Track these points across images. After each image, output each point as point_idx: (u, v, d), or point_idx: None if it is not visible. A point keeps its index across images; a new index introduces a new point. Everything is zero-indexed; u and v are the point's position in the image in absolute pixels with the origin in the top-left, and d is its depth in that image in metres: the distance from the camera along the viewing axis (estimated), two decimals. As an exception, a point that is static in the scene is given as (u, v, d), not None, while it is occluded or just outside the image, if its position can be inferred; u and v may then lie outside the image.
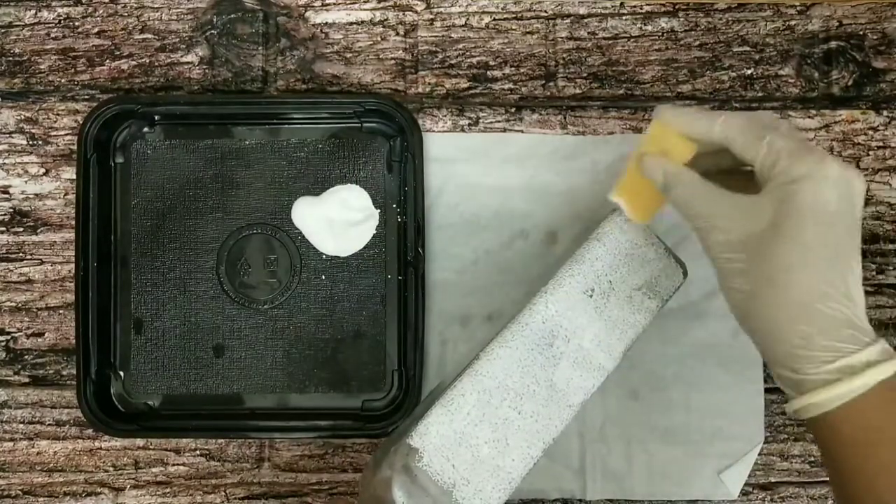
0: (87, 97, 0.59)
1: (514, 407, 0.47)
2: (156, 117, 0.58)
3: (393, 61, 0.59)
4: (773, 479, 0.58)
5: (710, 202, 0.42)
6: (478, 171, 0.58)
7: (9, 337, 0.58)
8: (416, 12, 0.60)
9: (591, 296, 0.49)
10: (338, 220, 0.57)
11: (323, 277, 0.58)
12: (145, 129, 0.58)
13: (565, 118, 0.59)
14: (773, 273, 0.39)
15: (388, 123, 0.58)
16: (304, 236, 0.58)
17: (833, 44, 0.59)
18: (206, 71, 0.59)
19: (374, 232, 0.58)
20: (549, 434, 0.47)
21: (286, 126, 0.58)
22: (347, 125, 0.58)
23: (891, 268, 0.59)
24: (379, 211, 0.58)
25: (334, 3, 0.60)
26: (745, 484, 0.57)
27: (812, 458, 0.58)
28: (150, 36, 0.60)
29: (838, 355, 0.38)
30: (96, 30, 0.60)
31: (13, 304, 0.58)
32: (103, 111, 0.56)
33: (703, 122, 0.43)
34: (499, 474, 0.46)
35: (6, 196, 0.59)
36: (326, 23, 0.60)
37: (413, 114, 0.57)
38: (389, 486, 0.45)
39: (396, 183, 0.58)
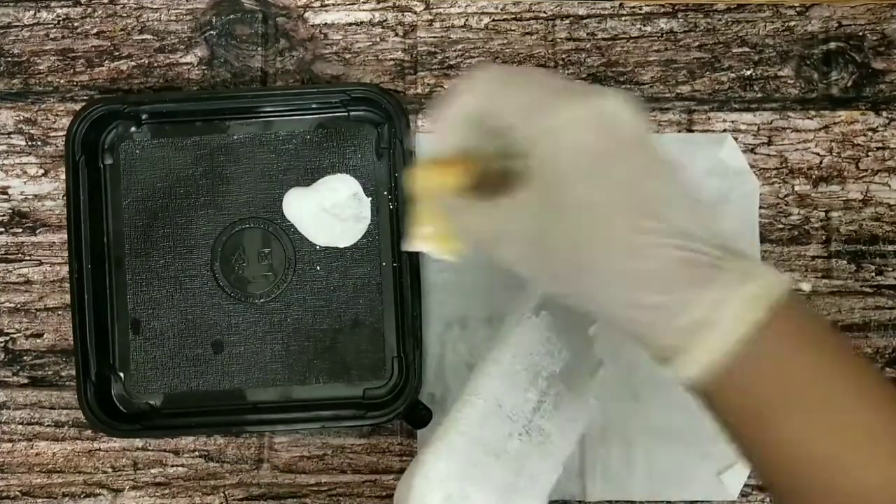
0: (85, 98, 0.59)
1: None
2: (143, 116, 0.58)
3: (392, 62, 0.59)
4: (772, 481, 0.57)
5: (481, 214, 0.36)
6: (477, 172, 0.58)
7: (7, 338, 0.58)
8: (416, 13, 0.60)
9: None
10: (330, 210, 0.57)
11: (318, 268, 0.58)
12: (133, 129, 0.58)
13: (564, 119, 0.59)
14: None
15: (375, 110, 0.57)
16: (296, 228, 0.58)
17: (832, 45, 0.59)
18: (205, 72, 0.59)
19: (367, 220, 0.58)
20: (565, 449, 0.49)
21: (273, 118, 0.58)
22: (334, 114, 0.58)
23: (890, 269, 0.58)
24: (370, 199, 0.58)
25: (333, 4, 0.60)
26: (745, 485, 0.57)
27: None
28: (149, 37, 0.60)
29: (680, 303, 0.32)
30: (95, 30, 0.60)
31: (12, 304, 0.58)
32: (90, 112, 0.56)
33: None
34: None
35: (5, 197, 0.59)
36: (325, 23, 0.60)
37: (399, 101, 0.56)
38: None
39: (386, 169, 0.58)
